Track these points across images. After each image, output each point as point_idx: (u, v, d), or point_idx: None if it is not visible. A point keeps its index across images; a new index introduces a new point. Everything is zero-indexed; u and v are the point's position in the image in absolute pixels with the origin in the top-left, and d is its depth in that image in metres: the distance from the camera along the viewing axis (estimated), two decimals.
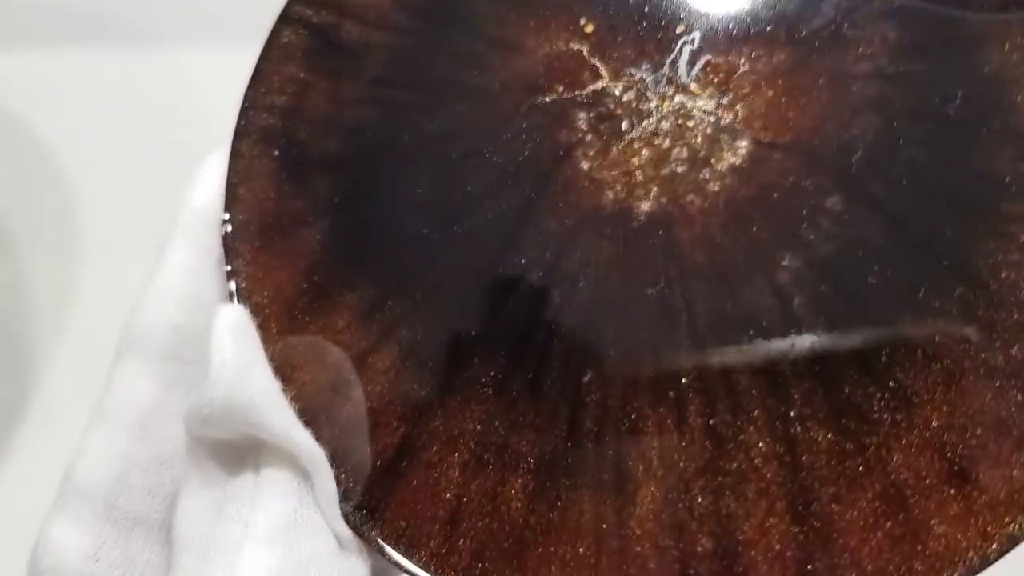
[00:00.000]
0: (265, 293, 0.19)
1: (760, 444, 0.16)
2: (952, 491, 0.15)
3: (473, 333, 0.18)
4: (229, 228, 0.19)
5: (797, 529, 0.16)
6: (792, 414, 0.16)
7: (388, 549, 0.17)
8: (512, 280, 0.18)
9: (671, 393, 0.17)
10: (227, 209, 0.19)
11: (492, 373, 0.18)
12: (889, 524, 0.15)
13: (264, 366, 0.17)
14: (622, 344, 0.17)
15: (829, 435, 0.16)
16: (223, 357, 0.17)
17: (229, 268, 0.19)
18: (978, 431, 0.15)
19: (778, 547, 0.16)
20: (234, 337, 0.17)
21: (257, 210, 0.19)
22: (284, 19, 0.20)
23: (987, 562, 0.15)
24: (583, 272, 0.18)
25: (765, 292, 0.17)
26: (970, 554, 0.15)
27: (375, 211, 0.19)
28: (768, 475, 0.16)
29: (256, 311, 0.18)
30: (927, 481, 0.15)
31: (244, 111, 0.20)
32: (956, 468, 0.15)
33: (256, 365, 0.17)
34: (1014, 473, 0.15)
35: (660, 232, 0.17)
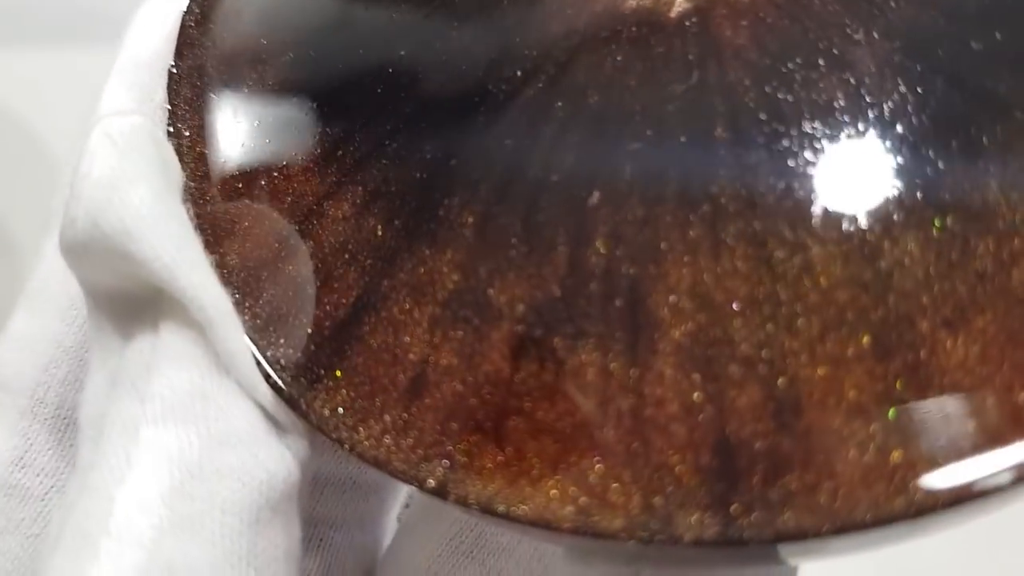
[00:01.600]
0: (209, 141, 0.15)
1: (827, 263, 0.12)
2: None
3: (453, 163, 0.14)
4: (175, 71, 0.16)
5: (883, 369, 0.11)
6: (873, 221, 0.12)
7: (330, 429, 0.13)
8: (503, 99, 0.14)
9: (705, 208, 0.12)
10: (176, 52, 0.16)
11: (475, 210, 0.14)
12: (1017, 355, 0.11)
13: (150, 185, 0.13)
14: (640, 158, 0.13)
15: (925, 242, 0.11)
16: (87, 167, 0.13)
17: (170, 111, 0.15)
18: None
19: (855, 394, 0.11)
20: (111, 145, 0.13)
21: (210, 51, 0.16)
22: None
23: None
24: (592, 81, 0.14)
25: (833, 75, 0.12)
26: None
27: (344, 40, 0.15)
28: (841, 301, 0.11)
29: (199, 162, 0.15)
30: None
31: None
32: None
33: (136, 182, 0.13)
34: None
35: (693, 26, 0.13)
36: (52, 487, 0.16)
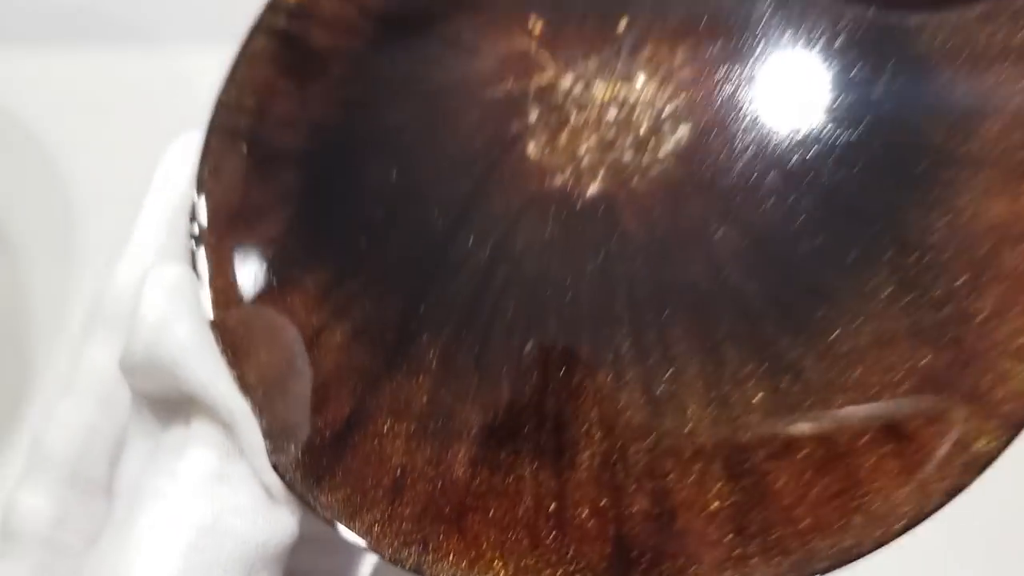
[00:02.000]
0: (227, 276, 0.19)
1: (696, 406, 0.16)
2: (888, 447, 0.15)
3: (422, 309, 0.18)
4: (195, 214, 0.20)
5: (732, 487, 0.16)
6: (727, 375, 0.16)
7: (331, 517, 0.17)
8: (459, 260, 0.18)
9: (610, 358, 0.17)
10: (196, 198, 0.20)
11: (438, 347, 0.18)
12: (825, 480, 0.15)
13: (191, 322, 0.18)
14: (563, 315, 0.17)
15: (763, 395, 0.16)
16: (144, 312, 0.17)
17: (193, 252, 0.19)
18: (908, 387, 0.15)
19: (714, 506, 0.16)
20: (162, 292, 0.17)
21: (224, 200, 0.20)
22: (257, 27, 0.21)
23: (925, 516, 0.15)
24: (527, 250, 0.18)
25: (700, 261, 0.17)
26: (907, 509, 0.15)
27: (334, 200, 0.19)
28: (703, 435, 0.16)
29: (218, 293, 0.19)
30: (862, 438, 0.15)
31: (216, 110, 0.21)
32: (890, 425, 0.15)
33: (180, 321, 0.18)
34: (950, 430, 0.15)
35: (602, 211, 0.18)
36: (84, 540, 0.20)
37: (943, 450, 0.15)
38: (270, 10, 0.21)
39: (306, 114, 0.20)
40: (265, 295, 0.19)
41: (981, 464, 0.15)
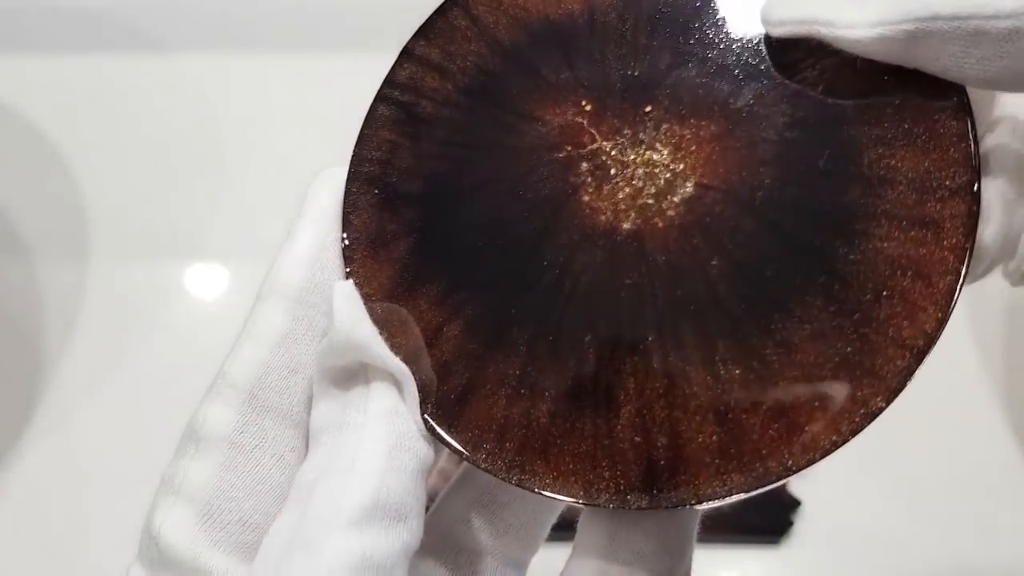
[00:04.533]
0: (371, 285, 0.28)
1: (696, 377, 0.25)
2: (816, 404, 0.24)
3: (512, 312, 0.27)
4: (345, 241, 0.28)
5: (719, 430, 0.25)
6: (717, 358, 0.25)
7: (461, 450, 0.27)
8: (537, 276, 0.27)
9: (641, 347, 0.26)
10: (343, 229, 0.28)
11: (525, 337, 0.27)
12: (776, 426, 0.25)
13: (368, 321, 0.26)
14: (611, 316, 0.26)
15: (739, 372, 0.25)
16: (343, 316, 0.26)
17: (348, 270, 0.28)
18: (833, 367, 0.24)
19: (705, 441, 0.25)
20: (348, 302, 0.26)
21: (363, 230, 0.29)
22: (378, 98, 0.30)
23: (837, 447, 0.24)
24: (585, 271, 0.27)
25: (700, 282, 0.26)
26: (825, 443, 0.24)
27: (446, 232, 0.28)
28: (701, 397, 0.25)
29: (365, 297, 0.28)
30: (801, 400, 0.25)
31: (352, 162, 0.29)
32: (820, 392, 0.24)
33: (364, 320, 0.26)
34: (856, 394, 0.24)
35: (635, 244, 0.27)
36: (257, 446, 0.28)
37: (850, 407, 0.24)
38: (386, 85, 0.30)
39: (421, 166, 0.29)
40: (399, 300, 0.28)
41: (873, 415, 0.24)
